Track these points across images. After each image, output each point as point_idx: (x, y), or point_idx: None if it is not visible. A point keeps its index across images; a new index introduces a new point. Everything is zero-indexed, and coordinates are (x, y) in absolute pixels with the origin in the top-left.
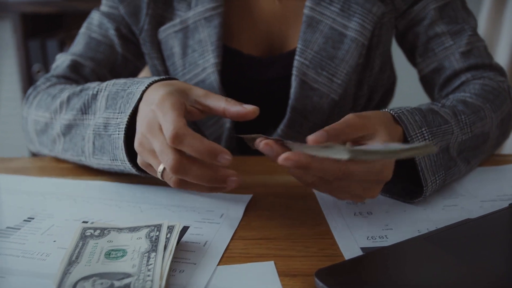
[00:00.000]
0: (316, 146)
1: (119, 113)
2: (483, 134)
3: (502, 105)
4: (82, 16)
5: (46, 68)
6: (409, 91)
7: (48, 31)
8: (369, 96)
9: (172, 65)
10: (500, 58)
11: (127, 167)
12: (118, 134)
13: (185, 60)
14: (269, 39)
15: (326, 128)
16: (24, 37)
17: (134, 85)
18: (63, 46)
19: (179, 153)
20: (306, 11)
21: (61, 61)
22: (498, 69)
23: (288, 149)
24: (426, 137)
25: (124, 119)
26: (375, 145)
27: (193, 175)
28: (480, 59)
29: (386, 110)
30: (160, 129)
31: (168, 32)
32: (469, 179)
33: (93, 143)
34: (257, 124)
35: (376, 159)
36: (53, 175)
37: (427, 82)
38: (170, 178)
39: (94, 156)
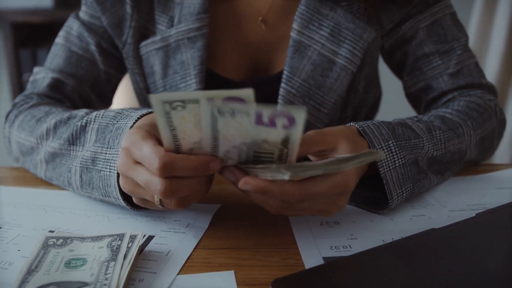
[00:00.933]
0: (261, 169)
1: (107, 148)
2: (459, 151)
3: (485, 123)
4: None
5: None
6: (395, 104)
7: (39, 41)
8: (353, 117)
9: (153, 83)
10: (491, 60)
11: (121, 204)
12: (109, 171)
13: (165, 81)
14: (253, 62)
15: None
16: (15, 46)
17: (123, 120)
18: None
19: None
20: (293, 34)
21: (41, 77)
22: (488, 87)
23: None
24: (393, 150)
25: (115, 156)
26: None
27: (187, 188)
28: (469, 78)
29: (352, 124)
30: (135, 163)
31: (149, 49)
32: (439, 188)
33: (80, 177)
34: None
35: (316, 174)
36: (28, 185)
37: (414, 99)
38: (170, 203)
39: (82, 189)
